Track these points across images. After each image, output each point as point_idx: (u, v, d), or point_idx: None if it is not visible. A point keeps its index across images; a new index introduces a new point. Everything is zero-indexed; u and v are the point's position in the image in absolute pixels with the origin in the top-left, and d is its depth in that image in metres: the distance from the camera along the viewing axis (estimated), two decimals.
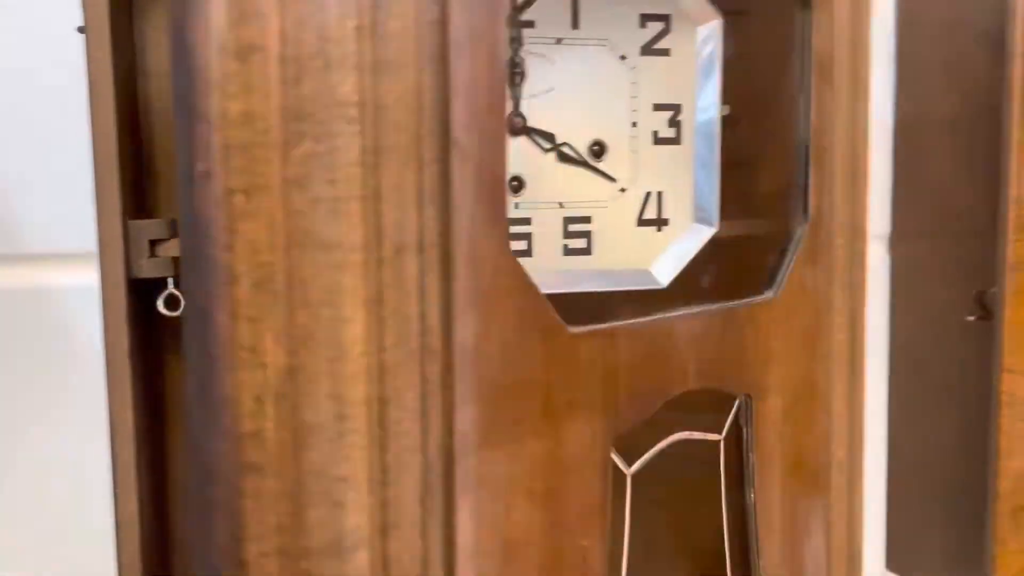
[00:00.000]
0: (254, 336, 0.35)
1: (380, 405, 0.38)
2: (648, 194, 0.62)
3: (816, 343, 0.60)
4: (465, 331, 0.41)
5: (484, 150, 0.40)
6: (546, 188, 0.59)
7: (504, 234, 0.41)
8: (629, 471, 0.52)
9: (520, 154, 0.58)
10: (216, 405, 0.34)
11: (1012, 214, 0.70)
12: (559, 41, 0.59)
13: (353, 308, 0.37)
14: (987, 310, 0.74)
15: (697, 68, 0.63)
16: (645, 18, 0.62)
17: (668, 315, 0.51)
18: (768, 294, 0.58)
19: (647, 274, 0.62)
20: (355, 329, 0.37)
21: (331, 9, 0.36)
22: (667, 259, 0.63)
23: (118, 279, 0.39)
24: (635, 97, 0.62)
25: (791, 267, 0.58)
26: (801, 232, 0.60)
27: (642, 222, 0.62)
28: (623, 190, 0.62)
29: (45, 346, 0.60)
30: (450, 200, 0.39)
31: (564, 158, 0.59)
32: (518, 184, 0.59)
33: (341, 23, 0.36)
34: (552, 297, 0.45)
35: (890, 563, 0.87)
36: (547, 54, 0.59)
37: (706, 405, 0.56)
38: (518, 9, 0.57)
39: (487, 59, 0.41)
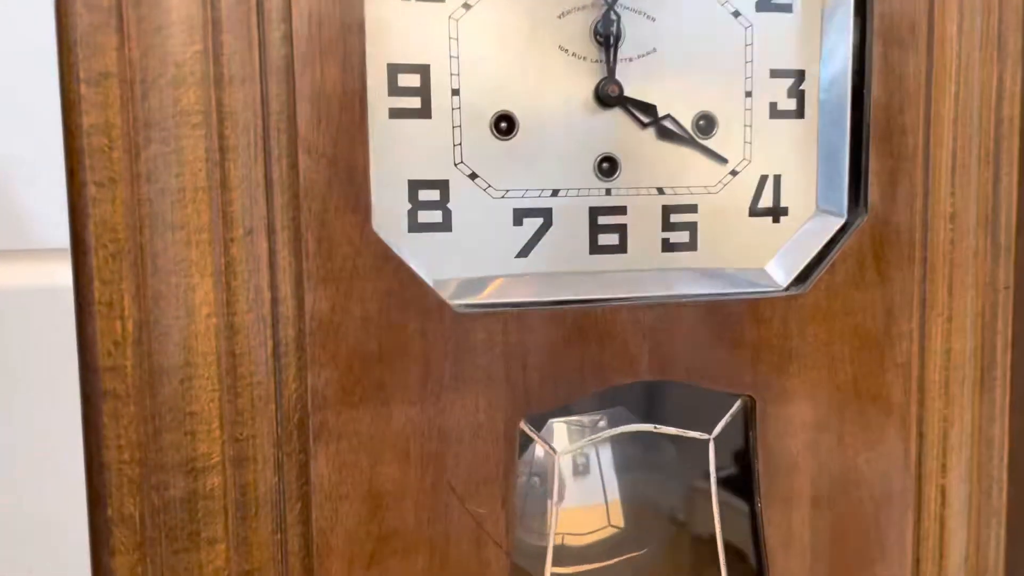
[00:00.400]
0: (111, 295, 0.45)
1: (231, 358, 0.47)
2: (764, 178, 0.56)
3: (884, 350, 0.54)
4: (320, 303, 0.47)
5: (339, 146, 0.46)
6: (644, 170, 0.54)
7: (365, 219, 0.47)
8: (558, 453, 0.53)
9: (614, 129, 0.53)
10: (84, 346, 0.46)
11: None
12: None
13: (201, 278, 0.46)
14: None
15: (823, 27, 0.55)
16: None
17: (602, 301, 0.51)
18: (783, 291, 0.54)
19: (762, 274, 0.55)
20: (202, 295, 0.46)
21: (175, 37, 0.44)
22: (785, 256, 0.56)
23: None
24: (750, 62, 0.54)
25: (832, 263, 0.53)
26: (857, 224, 0.54)
27: (756, 211, 0.56)
28: (734, 173, 0.55)
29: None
30: (299, 190, 0.46)
31: (666, 134, 0.54)
32: (610, 166, 0.54)
33: (183, 48, 0.44)
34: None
35: None
36: (647, 10, 0.53)
37: (696, 401, 0.54)
38: None
39: (339, 65, 0.46)
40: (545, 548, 0.52)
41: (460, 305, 0.49)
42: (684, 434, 0.53)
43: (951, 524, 0.56)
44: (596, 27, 0.52)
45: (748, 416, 0.53)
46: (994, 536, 0.57)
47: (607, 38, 0.52)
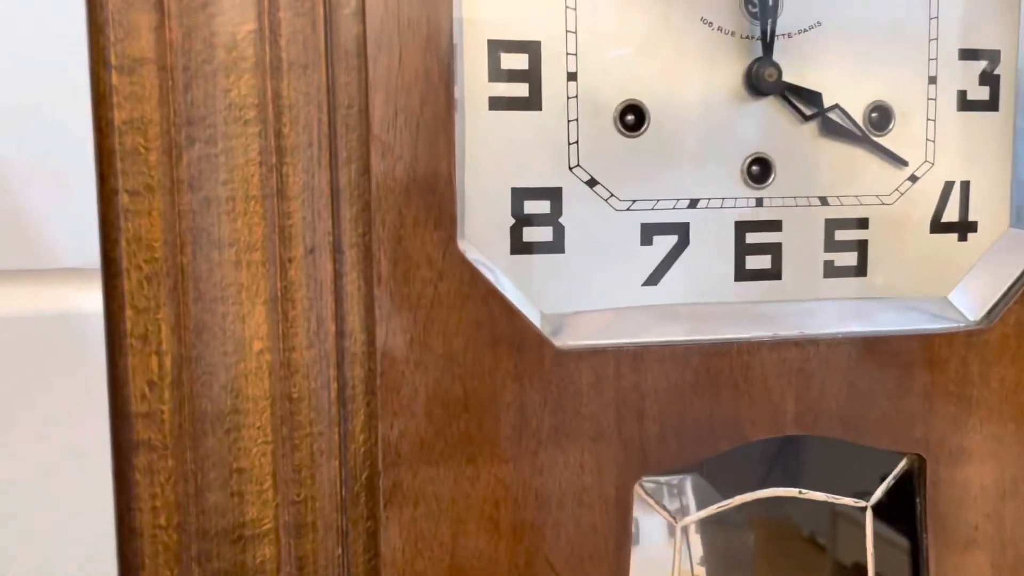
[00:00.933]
0: (146, 325, 0.38)
1: (287, 403, 0.39)
2: (949, 185, 0.47)
3: None
4: (395, 337, 0.39)
5: (420, 147, 0.38)
6: (803, 176, 0.46)
7: (450, 235, 0.39)
8: (679, 522, 0.44)
9: (768, 123, 0.46)
10: (115, 387, 0.39)
11: None
12: None
13: (252, 306, 0.39)
14: None
15: None
16: None
17: (736, 338, 0.42)
18: (963, 326, 0.44)
19: (945, 305, 0.47)
20: (253, 326, 0.39)
21: (224, 15, 0.37)
22: (975, 282, 0.47)
23: None
24: (935, 39, 0.47)
25: (1023, 291, 0.44)
26: None
27: (939, 227, 0.48)
28: (914, 179, 0.47)
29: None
30: (371, 200, 0.38)
31: (832, 130, 0.46)
32: (762, 170, 0.46)
33: (235, 28, 0.37)
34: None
35: None
36: None
37: (850, 461, 0.45)
38: None
39: (421, 47, 0.38)
40: None
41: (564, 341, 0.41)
42: (836, 501, 0.44)
43: None
44: None
45: (916, 479, 0.46)
46: None
47: (763, 8, 0.44)
